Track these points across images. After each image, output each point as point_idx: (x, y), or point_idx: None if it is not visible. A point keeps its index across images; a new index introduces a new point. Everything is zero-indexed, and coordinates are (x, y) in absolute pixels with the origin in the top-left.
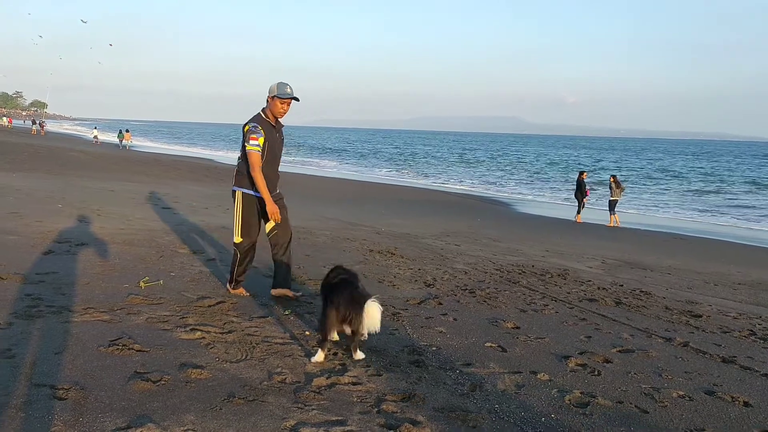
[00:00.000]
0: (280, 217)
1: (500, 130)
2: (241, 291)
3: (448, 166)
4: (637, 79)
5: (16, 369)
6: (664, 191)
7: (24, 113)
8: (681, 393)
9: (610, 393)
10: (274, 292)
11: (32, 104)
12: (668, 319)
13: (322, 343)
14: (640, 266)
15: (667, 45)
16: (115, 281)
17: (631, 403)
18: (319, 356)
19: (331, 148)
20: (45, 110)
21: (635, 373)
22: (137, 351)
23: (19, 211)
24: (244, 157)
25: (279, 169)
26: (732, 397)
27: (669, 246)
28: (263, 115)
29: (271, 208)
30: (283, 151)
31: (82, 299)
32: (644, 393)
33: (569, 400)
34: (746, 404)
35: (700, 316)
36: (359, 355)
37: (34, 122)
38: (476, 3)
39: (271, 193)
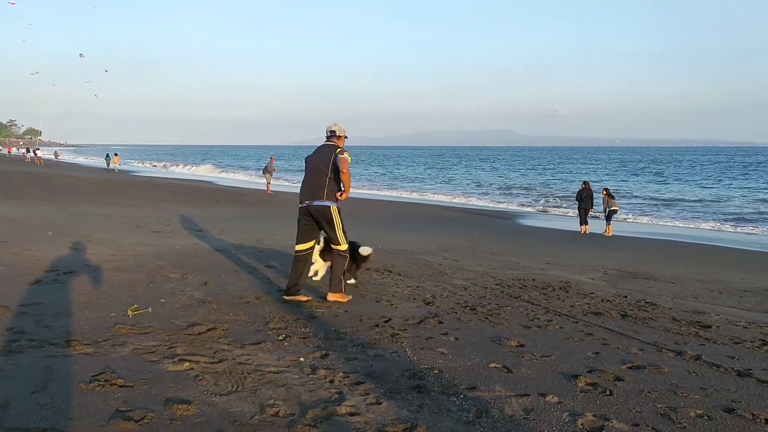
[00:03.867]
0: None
1: (494, 143)
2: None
3: (443, 181)
4: (629, 89)
5: None
6: (653, 199)
7: (21, 141)
8: (699, 412)
9: (625, 415)
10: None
11: (26, 132)
12: (677, 331)
13: None
14: (642, 276)
15: (658, 55)
16: (101, 310)
17: (648, 425)
18: None
19: None
20: (39, 137)
21: (649, 392)
22: (120, 386)
23: (8, 240)
24: (336, 177)
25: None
26: (753, 415)
27: (669, 254)
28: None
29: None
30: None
31: (66, 331)
32: (660, 414)
33: (582, 425)
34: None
35: (709, 327)
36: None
37: (28, 150)
38: (464, 16)
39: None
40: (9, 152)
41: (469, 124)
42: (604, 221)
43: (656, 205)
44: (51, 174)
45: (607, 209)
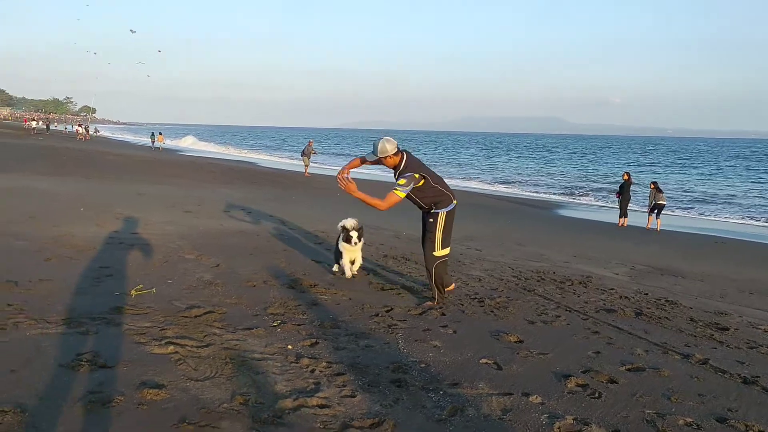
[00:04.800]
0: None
1: (540, 130)
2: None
3: (484, 167)
4: (685, 77)
5: None
6: (703, 193)
7: (78, 118)
8: (689, 420)
9: (608, 419)
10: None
11: (81, 109)
12: (691, 332)
13: None
14: (671, 273)
15: (717, 42)
16: (107, 289)
17: None
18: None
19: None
20: (93, 115)
21: (641, 396)
22: (99, 367)
23: (38, 215)
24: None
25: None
26: (746, 426)
27: (706, 251)
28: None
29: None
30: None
31: (66, 309)
32: (646, 419)
33: (559, 428)
34: None
35: (727, 329)
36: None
37: (80, 126)
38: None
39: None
40: (25, 123)
41: (514, 111)
42: (648, 215)
43: (705, 199)
44: (97, 152)
45: (654, 203)
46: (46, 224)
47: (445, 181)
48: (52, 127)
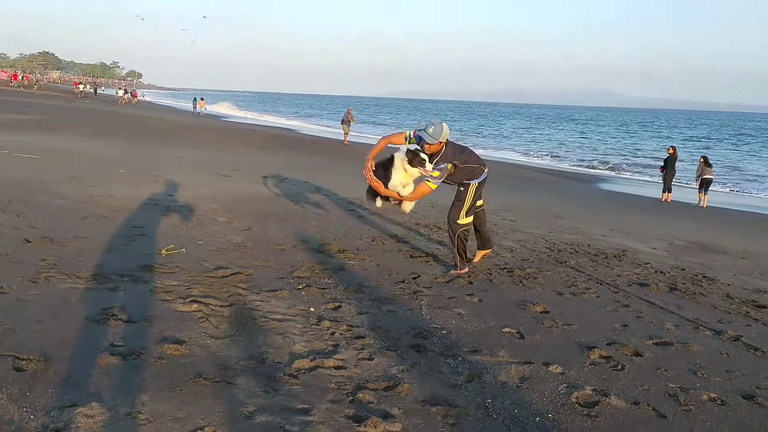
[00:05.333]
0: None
1: (587, 102)
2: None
3: (526, 139)
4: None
5: None
6: (753, 170)
7: (124, 83)
8: (713, 395)
9: (628, 392)
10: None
11: (128, 74)
12: (726, 309)
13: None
14: (711, 249)
15: None
16: (138, 248)
17: (649, 405)
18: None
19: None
20: (140, 80)
21: (665, 370)
22: (123, 322)
23: (80, 176)
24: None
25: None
26: None
27: (751, 228)
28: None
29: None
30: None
31: (97, 265)
32: (669, 393)
33: (576, 398)
34: None
35: (764, 307)
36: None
37: (125, 91)
38: None
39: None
40: (75, 86)
41: (560, 82)
42: (698, 191)
43: (757, 176)
44: (140, 116)
45: (701, 178)
46: (85, 185)
47: (476, 152)
48: (99, 91)
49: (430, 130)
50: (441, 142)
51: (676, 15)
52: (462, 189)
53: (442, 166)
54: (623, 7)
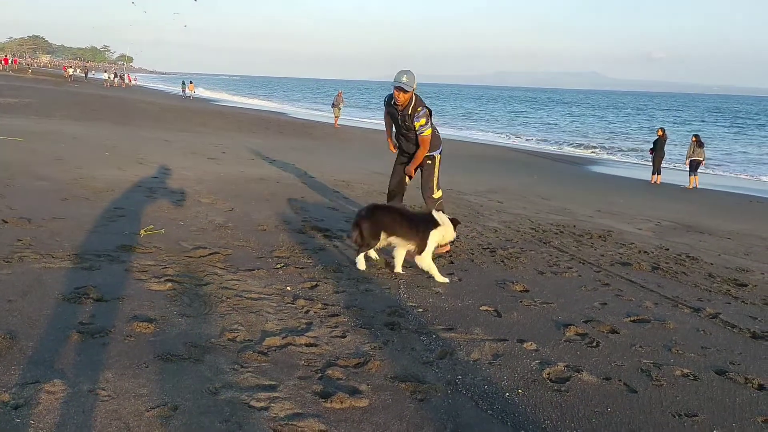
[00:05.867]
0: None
1: (578, 86)
2: None
3: (517, 122)
4: (731, 32)
5: None
6: (744, 153)
7: (114, 66)
8: (686, 371)
9: (601, 368)
10: None
11: (119, 58)
12: (707, 287)
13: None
14: (697, 230)
15: None
16: (117, 228)
17: (620, 381)
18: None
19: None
20: (130, 64)
21: (640, 347)
22: (94, 300)
23: (64, 158)
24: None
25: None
26: (746, 379)
27: (738, 209)
28: (391, 96)
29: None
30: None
31: (73, 246)
32: (641, 369)
33: (548, 374)
34: (761, 387)
35: (745, 285)
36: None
37: (116, 75)
38: None
39: (404, 150)
40: (64, 71)
41: (551, 65)
42: (688, 173)
43: (750, 161)
44: (129, 99)
45: (690, 159)
46: (69, 167)
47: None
48: (90, 75)
49: (404, 78)
50: (413, 89)
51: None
52: (429, 162)
53: (422, 113)
54: None
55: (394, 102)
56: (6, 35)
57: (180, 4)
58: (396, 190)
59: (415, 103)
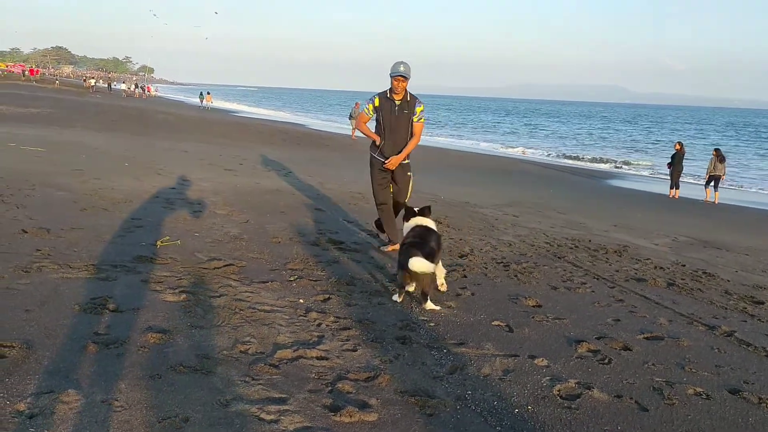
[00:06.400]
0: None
1: (601, 99)
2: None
3: (537, 135)
4: (756, 45)
5: None
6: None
7: (135, 78)
8: (699, 390)
9: (612, 385)
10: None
11: (140, 69)
12: (723, 304)
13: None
14: (715, 246)
15: None
16: (134, 239)
17: (631, 399)
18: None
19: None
20: (152, 75)
21: (653, 364)
22: (110, 311)
23: (84, 169)
24: None
25: (403, 141)
26: (759, 399)
27: (758, 225)
28: (387, 91)
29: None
30: (414, 129)
31: (91, 256)
32: (654, 387)
33: (558, 391)
34: None
35: (762, 303)
36: (429, 305)
37: (136, 85)
38: None
39: (386, 156)
40: (32, 74)
41: (573, 78)
42: (705, 187)
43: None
44: (148, 110)
45: (710, 175)
46: (88, 177)
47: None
48: (113, 86)
49: (401, 68)
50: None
51: (688, 10)
52: (410, 174)
53: (419, 101)
54: (635, 3)
55: (391, 93)
56: (30, 46)
57: (201, 16)
58: (386, 200)
59: (411, 100)
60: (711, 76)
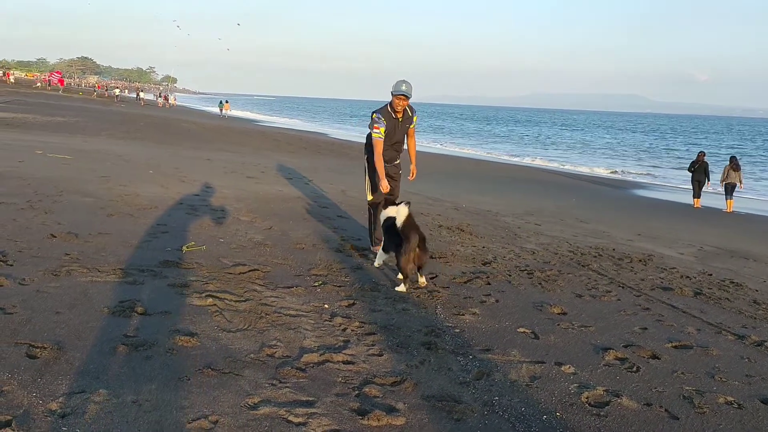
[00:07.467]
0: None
1: (619, 108)
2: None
3: (553, 144)
4: None
5: (4, 326)
6: None
7: (159, 88)
8: (730, 399)
9: (641, 393)
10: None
11: (163, 79)
12: (751, 314)
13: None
14: (742, 255)
15: None
16: (160, 245)
17: (661, 407)
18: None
19: (440, 126)
20: (174, 84)
21: (682, 373)
22: (139, 314)
23: (110, 176)
24: (370, 138)
25: (402, 147)
26: None
27: None
28: (388, 108)
29: (383, 184)
30: (409, 132)
31: (118, 260)
32: (683, 396)
33: (586, 398)
34: None
35: None
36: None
37: (160, 95)
38: None
39: (388, 163)
40: (62, 85)
41: (590, 87)
42: (725, 198)
43: None
44: (171, 119)
45: (725, 183)
46: (114, 184)
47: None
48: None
49: (403, 87)
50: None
51: (707, 19)
52: (401, 172)
53: (414, 116)
54: (658, 9)
55: (392, 110)
56: (57, 56)
57: (222, 25)
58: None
59: (410, 113)
60: (733, 85)
